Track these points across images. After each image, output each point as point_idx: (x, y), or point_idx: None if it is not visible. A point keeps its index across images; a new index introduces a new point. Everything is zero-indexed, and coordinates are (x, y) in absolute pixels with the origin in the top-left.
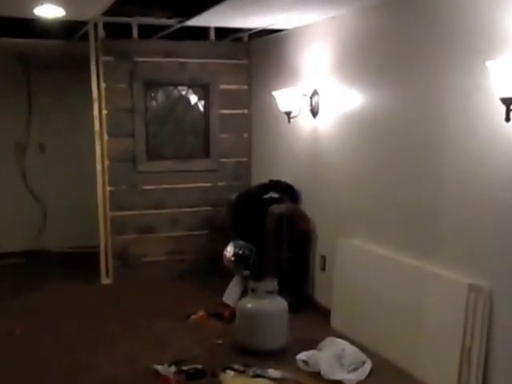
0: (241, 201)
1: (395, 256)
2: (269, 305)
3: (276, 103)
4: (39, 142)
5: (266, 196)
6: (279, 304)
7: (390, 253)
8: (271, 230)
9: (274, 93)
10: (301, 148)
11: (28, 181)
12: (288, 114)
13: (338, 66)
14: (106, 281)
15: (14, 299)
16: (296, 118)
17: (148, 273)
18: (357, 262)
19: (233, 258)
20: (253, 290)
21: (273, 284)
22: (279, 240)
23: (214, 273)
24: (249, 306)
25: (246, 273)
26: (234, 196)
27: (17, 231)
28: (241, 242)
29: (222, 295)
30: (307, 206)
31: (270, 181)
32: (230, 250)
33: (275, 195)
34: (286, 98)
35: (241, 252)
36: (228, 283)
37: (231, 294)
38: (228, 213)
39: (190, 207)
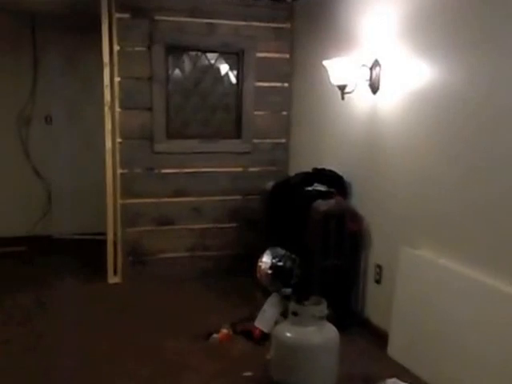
0: (278, 192)
1: (478, 275)
2: (315, 334)
3: (326, 75)
4: (45, 113)
5: (308, 188)
6: (329, 333)
7: (471, 270)
8: (315, 230)
9: (325, 62)
10: (355, 130)
11: (31, 157)
12: (342, 88)
13: (407, 30)
14: (113, 279)
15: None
16: (350, 94)
17: (164, 272)
18: (425, 277)
19: (269, 272)
20: (294, 314)
21: (321, 307)
22: (324, 243)
23: (243, 273)
24: (288, 334)
25: (287, 291)
26: (269, 185)
27: (17, 214)
28: (280, 250)
29: (252, 303)
30: (360, 203)
31: (314, 169)
32: (266, 261)
33: (320, 188)
34: (340, 68)
35: (280, 264)
36: (260, 289)
37: (266, 317)
38: (262, 205)
39: (216, 195)
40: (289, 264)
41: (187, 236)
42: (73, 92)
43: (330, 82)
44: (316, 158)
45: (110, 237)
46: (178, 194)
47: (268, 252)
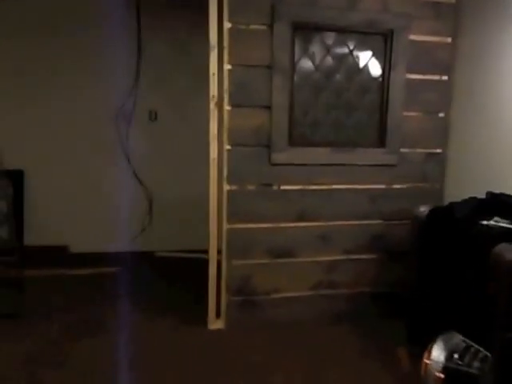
0: (435, 222)
1: None
2: None
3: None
4: (149, 109)
5: (484, 222)
6: None
7: None
8: (498, 290)
9: None
10: None
11: (132, 160)
12: None
13: None
14: (215, 324)
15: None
16: None
17: (280, 316)
18: None
19: (442, 376)
20: None
21: None
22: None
23: (385, 317)
24: None
25: None
26: (422, 211)
27: (115, 226)
28: (459, 340)
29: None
30: None
31: (490, 194)
32: (436, 359)
33: (504, 224)
34: None
35: (459, 364)
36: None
37: None
38: (412, 235)
39: (349, 219)
40: (476, 367)
41: (311, 271)
42: (183, 83)
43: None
44: (488, 176)
45: (212, 271)
46: (301, 217)
47: (440, 342)
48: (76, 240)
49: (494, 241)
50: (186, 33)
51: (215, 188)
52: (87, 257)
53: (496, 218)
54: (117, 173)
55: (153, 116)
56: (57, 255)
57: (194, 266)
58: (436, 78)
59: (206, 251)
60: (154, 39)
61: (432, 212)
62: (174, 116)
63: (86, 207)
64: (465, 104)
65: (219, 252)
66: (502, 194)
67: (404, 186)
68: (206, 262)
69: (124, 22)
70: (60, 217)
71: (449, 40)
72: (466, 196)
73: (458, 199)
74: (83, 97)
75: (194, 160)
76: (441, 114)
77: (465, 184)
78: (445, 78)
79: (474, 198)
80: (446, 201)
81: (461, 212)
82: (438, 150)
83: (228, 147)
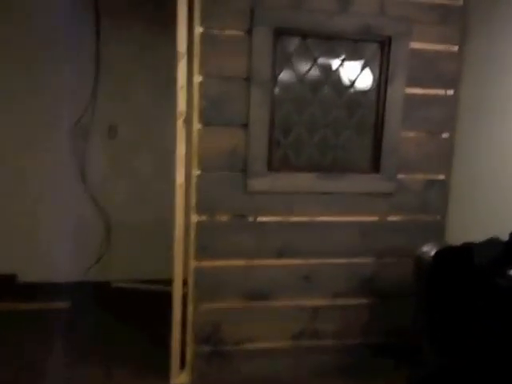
0: (447, 268)
1: None
2: None
3: None
4: (109, 124)
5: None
6: None
7: None
8: None
9: None
10: None
11: (89, 181)
12: None
13: None
14: (178, 379)
15: None
16: None
17: (255, 370)
18: None
19: None
20: None
21: None
22: None
23: (386, 373)
24: None
25: None
26: (426, 251)
27: (69, 253)
28: None
29: None
30: None
31: None
32: None
33: None
34: None
35: None
36: None
37: None
38: (415, 279)
39: (337, 257)
40: None
41: (292, 317)
42: (147, 96)
43: None
44: (500, 208)
45: (176, 316)
46: (280, 254)
47: None
48: (25, 268)
49: None
50: (152, 39)
51: (181, 219)
52: (37, 287)
53: None
54: (71, 194)
55: (113, 132)
56: (4, 284)
57: (155, 299)
58: (440, 92)
59: (169, 281)
60: (115, 46)
61: (441, 254)
62: (136, 132)
63: (36, 231)
64: (473, 123)
65: (185, 296)
66: None
67: (401, 219)
68: (169, 296)
69: (81, 28)
70: (7, 242)
71: (455, 48)
72: (472, 231)
73: (463, 234)
74: (33, 110)
75: (158, 181)
76: (444, 135)
77: (471, 217)
78: (450, 92)
79: (496, 238)
80: (449, 236)
81: (481, 258)
82: (441, 177)
83: (197, 172)
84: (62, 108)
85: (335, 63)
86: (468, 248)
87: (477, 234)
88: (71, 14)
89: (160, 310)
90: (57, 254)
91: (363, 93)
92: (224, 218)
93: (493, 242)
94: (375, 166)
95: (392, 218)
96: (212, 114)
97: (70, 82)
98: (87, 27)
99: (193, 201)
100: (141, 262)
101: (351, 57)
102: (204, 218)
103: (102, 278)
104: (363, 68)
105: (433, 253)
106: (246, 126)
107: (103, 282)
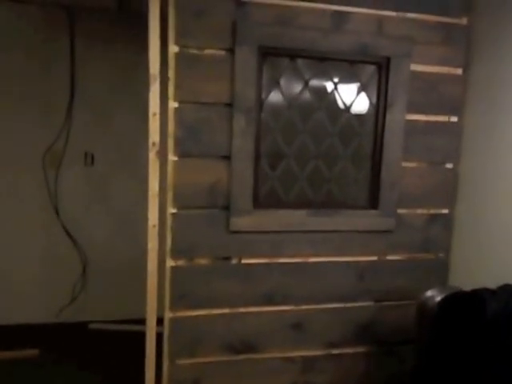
0: (455, 317)
1: None
2: None
3: None
4: (84, 150)
5: None
6: None
7: None
8: None
9: None
10: None
11: (62, 213)
12: None
13: None
14: None
15: None
16: None
17: None
18: None
19: None
20: None
21: None
22: None
23: None
24: None
25: None
26: (431, 297)
27: (40, 293)
28: None
29: None
30: None
31: None
32: None
33: None
34: None
35: None
36: None
37: None
38: (418, 326)
39: (331, 302)
40: None
41: (282, 370)
42: (126, 121)
43: None
44: (509, 245)
45: (149, 375)
46: (268, 300)
47: None
48: None
49: None
50: (130, 61)
51: (154, 265)
52: (5, 331)
53: None
54: (42, 228)
55: (89, 160)
56: None
57: (134, 340)
58: (443, 119)
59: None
60: (91, 69)
61: (448, 301)
62: (114, 160)
63: (4, 269)
64: (479, 152)
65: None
66: None
67: (401, 258)
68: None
69: (54, 51)
70: None
71: (459, 71)
72: (477, 270)
73: (468, 274)
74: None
75: (137, 214)
76: (448, 165)
77: (477, 254)
78: (454, 119)
79: (510, 286)
80: (453, 275)
81: (495, 310)
82: (444, 211)
83: (172, 210)
84: (32, 134)
85: (328, 86)
86: (479, 296)
87: (482, 273)
88: (44, 37)
89: (140, 352)
90: (28, 294)
91: (359, 119)
92: (204, 262)
93: (506, 291)
94: (373, 200)
95: (391, 257)
96: (189, 145)
97: (43, 107)
98: (61, 50)
99: (168, 244)
100: (119, 302)
101: (346, 79)
102: (181, 262)
103: (78, 318)
104: (359, 92)
105: (439, 299)
106: (227, 157)
107: (79, 322)
